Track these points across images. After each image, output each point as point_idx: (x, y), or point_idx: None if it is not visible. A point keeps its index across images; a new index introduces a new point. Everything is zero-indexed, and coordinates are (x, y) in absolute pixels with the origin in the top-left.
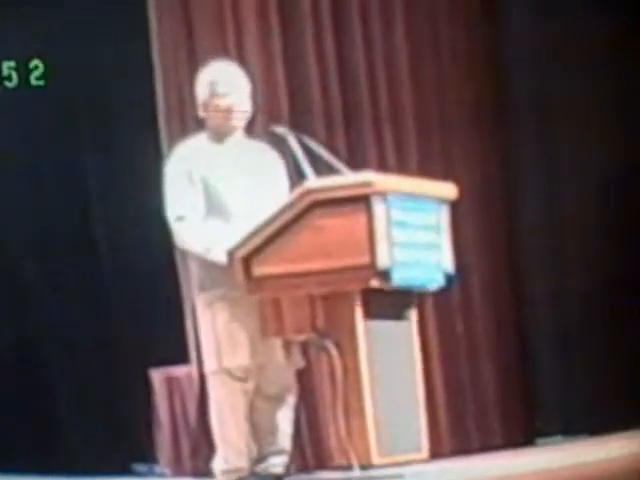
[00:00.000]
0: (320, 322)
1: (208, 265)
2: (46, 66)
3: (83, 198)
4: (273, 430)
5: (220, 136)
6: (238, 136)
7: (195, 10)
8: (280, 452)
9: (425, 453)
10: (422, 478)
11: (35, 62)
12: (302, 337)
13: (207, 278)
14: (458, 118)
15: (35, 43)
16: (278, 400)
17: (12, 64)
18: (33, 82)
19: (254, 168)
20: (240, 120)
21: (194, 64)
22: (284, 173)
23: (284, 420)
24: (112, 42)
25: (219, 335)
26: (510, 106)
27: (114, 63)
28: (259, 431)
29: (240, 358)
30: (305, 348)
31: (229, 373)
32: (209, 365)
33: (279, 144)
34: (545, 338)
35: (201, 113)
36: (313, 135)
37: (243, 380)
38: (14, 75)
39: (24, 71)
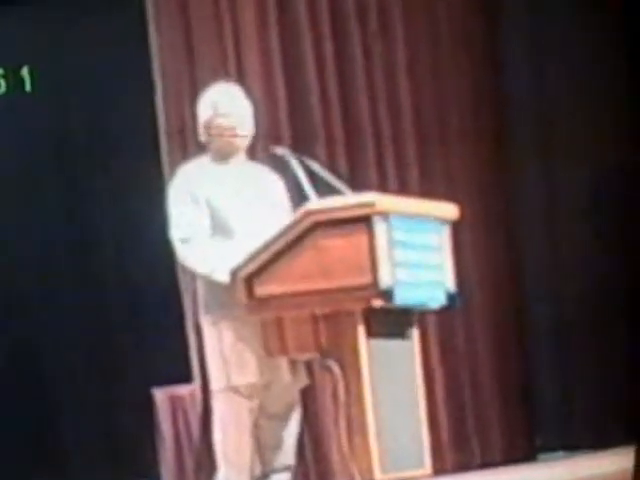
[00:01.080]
0: (323, 341)
1: (212, 286)
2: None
3: (85, 220)
4: (277, 447)
5: (223, 157)
6: (240, 158)
7: (195, 35)
8: (283, 469)
9: (428, 469)
10: None
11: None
12: (305, 356)
13: (212, 299)
14: (459, 138)
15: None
16: (282, 418)
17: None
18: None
19: (256, 190)
20: (242, 140)
21: (195, 89)
22: (285, 195)
23: (288, 437)
24: (114, 70)
25: (226, 354)
26: (511, 125)
27: (115, 89)
28: (263, 448)
29: (248, 376)
30: (309, 366)
31: (236, 391)
32: (216, 383)
33: (280, 165)
34: (546, 356)
35: (202, 135)
36: (314, 156)
37: (249, 398)
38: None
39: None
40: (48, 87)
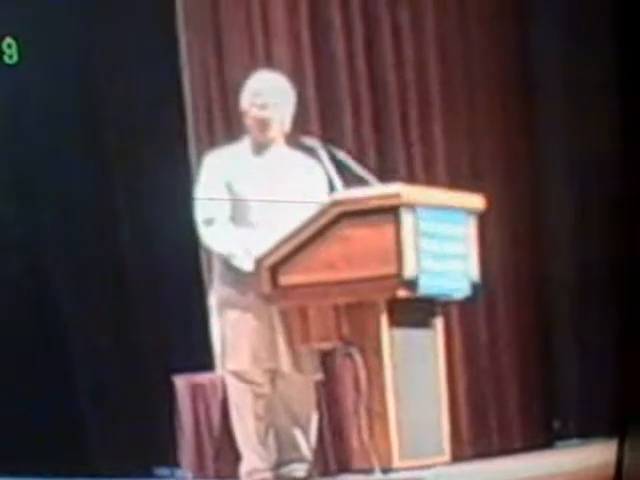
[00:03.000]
0: (346, 330)
1: (226, 270)
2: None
3: (106, 207)
4: (295, 442)
5: (258, 145)
6: (277, 146)
7: (224, 25)
8: (301, 460)
9: (447, 456)
10: None
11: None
12: (328, 345)
13: (224, 283)
14: (487, 130)
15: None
16: (297, 407)
17: None
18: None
19: (286, 181)
20: (276, 133)
21: (223, 78)
22: (322, 182)
23: (306, 427)
24: (141, 58)
25: (224, 338)
26: (539, 118)
27: (144, 79)
28: (281, 440)
29: (241, 362)
30: (329, 354)
31: (237, 375)
32: (231, 369)
33: (309, 156)
34: (566, 346)
35: (244, 121)
36: (342, 147)
37: (255, 383)
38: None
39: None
40: (81, 69)
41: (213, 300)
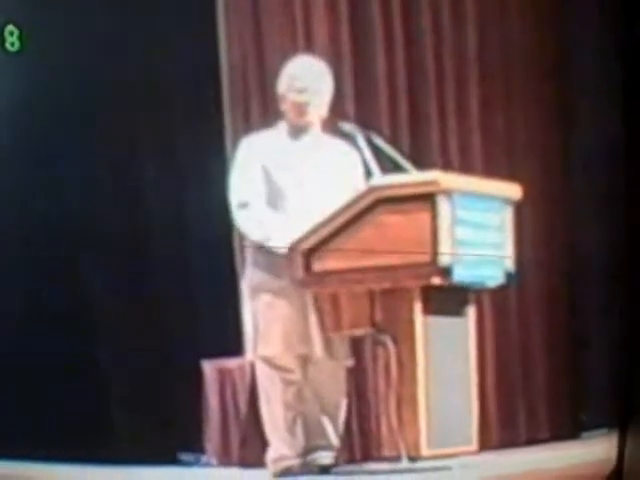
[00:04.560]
0: (378, 317)
1: (260, 254)
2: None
3: (137, 188)
4: (323, 423)
5: (295, 130)
6: (314, 131)
7: (264, 8)
8: (328, 447)
9: (475, 446)
10: (470, 470)
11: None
12: (360, 332)
13: (257, 267)
14: (523, 119)
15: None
16: (327, 394)
17: None
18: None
19: (323, 164)
20: (313, 117)
21: (260, 61)
22: (359, 168)
23: (334, 414)
24: (179, 39)
25: (256, 323)
26: (577, 107)
27: (179, 60)
28: (308, 422)
29: (273, 348)
30: (358, 341)
31: (268, 361)
32: (261, 354)
33: (346, 141)
34: (595, 337)
35: (281, 105)
36: (379, 133)
37: (286, 370)
38: None
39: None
40: (112, 53)
41: (245, 285)
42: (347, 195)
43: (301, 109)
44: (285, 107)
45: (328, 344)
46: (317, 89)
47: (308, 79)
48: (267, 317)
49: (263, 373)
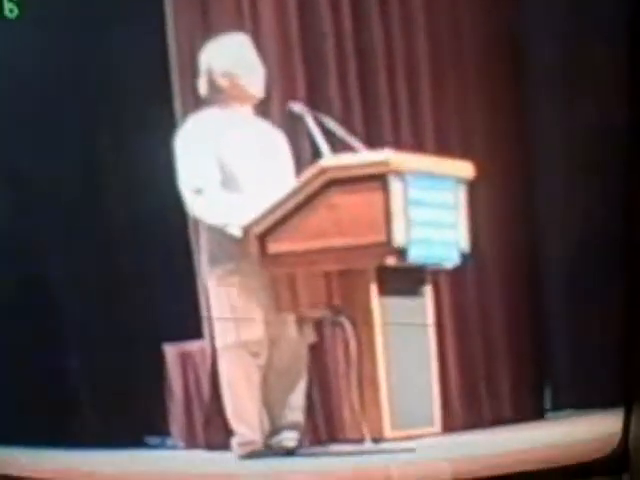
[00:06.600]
0: (335, 299)
1: (222, 239)
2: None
3: (95, 171)
4: (286, 404)
5: (230, 111)
6: (247, 113)
7: None
8: (293, 426)
9: (438, 427)
10: (434, 452)
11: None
12: (316, 313)
13: (220, 252)
14: (476, 95)
15: None
16: (291, 375)
17: None
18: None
19: (264, 144)
20: (249, 99)
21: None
22: (289, 154)
23: (297, 394)
24: (126, 18)
25: (235, 308)
26: (530, 84)
27: (128, 40)
28: (272, 405)
29: (256, 331)
30: (318, 322)
31: (245, 347)
32: (222, 340)
33: (296, 122)
34: (558, 314)
35: (207, 86)
36: (329, 113)
37: (256, 355)
38: None
39: None
40: (56, 30)
41: (210, 274)
42: (284, 176)
43: (236, 90)
44: (222, 86)
45: (300, 324)
46: (250, 71)
47: (241, 61)
48: (245, 302)
49: (237, 360)
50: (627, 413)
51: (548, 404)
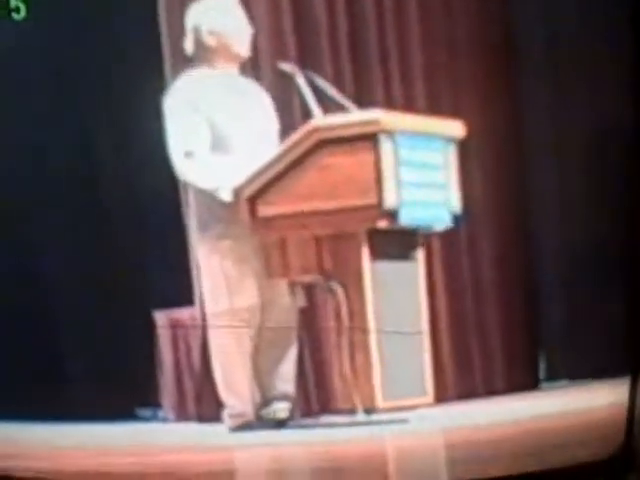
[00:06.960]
0: (326, 263)
1: (213, 203)
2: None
3: (83, 137)
4: (276, 374)
5: (218, 72)
6: (233, 72)
7: None
8: (284, 397)
9: (430, 397)
10: (426, 422)
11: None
12: (308, 278)
13: (211, 217)
14: (467, 55)
15: None
16: (281, 343)
17: None
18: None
19: (251, 104)
20: (235, 58)
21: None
22: (274, 114)
23: (287, 364)
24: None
25: (227, 275)
26: (521, 45)
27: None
28: (263, 375)
29: (249, 298)
30: (309, 289)
31: (236, 315)
32: (213, 307)
33: (286, 81)
34: (552, 281)
35: (194, 45)
36: (320, 72)
37: (247, 322)
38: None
39: None
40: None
41: (200, 240)
42: (272, 137)
43: (221, 50)
44: (209, 45)
45: (291, 289)
46: (236, 30)
47: (226, 20)
48: (237, 267)
49: (221, 328)
50: (633, 383)
51: (542, 374)
